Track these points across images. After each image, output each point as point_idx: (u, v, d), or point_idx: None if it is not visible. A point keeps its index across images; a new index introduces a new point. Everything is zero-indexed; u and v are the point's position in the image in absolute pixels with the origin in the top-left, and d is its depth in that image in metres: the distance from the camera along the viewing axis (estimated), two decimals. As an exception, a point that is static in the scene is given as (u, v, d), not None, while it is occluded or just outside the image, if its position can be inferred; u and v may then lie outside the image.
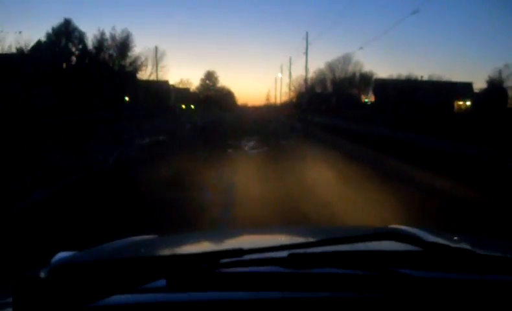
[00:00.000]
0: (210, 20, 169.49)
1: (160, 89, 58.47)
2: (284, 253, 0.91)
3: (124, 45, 47.96)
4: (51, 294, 0.83)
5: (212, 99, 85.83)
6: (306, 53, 47.29)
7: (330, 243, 0.99)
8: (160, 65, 58.75)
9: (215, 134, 22.29)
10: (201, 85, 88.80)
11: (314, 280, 0.94)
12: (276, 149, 15.25)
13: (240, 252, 0.91)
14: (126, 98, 50.82)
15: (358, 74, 66.81)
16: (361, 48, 38.45)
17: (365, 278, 0.92)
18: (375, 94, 49.73)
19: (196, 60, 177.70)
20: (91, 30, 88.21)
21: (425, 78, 48.56)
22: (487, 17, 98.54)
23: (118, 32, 48.17)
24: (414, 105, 38.98)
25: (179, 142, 17.89)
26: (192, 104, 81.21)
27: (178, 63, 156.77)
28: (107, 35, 46.99)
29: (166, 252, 1.33)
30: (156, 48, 57.39)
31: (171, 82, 78.94)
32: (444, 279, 0.95)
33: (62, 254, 1.20)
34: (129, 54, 50.32)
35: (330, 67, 65.43)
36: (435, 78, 48.24)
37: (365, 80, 65.72)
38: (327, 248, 0.97)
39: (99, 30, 47.50)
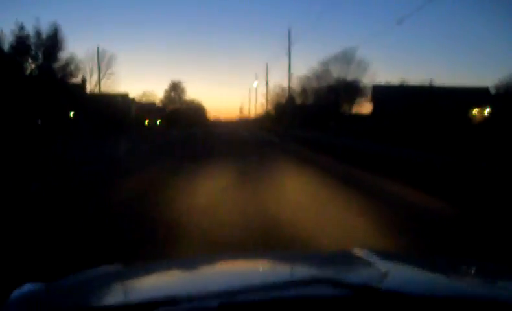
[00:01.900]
0: (177, 27, 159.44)
1: (113, 102, 49.04)
2: (215, 302, 0.96)
3: (51, 44, 37.15)
4: None
5: (180, 113, 76.65)
6: (289, 53, 39.50)
7: (262, 289, 1.04)
8: (108, 71, 49.58)
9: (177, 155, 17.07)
10: (166, 97, 79.25)
11: None
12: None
13: (173, 301, 0.98)
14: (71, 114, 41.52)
15: (342, 82, 59.49)
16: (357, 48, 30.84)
17: None
18: (374, 102, 41.70)
19: (162, 72, 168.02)
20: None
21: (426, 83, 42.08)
22: (483, 21, 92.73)
23: (45, 27, 37.20)
24: (425, 114, 31.70)
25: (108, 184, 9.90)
26: (159, 119, 72.31)
27: (141, 74, 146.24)
28: (29, 30, 36.20)
29: (111, 297, 1.37)
30: (98, 49, 47.04)
31: (133, 95, 70.13)
32: None
33: (22, 290, 1.27)
34: (60, 56, 38.72)
35: (321, 72, 56.88)
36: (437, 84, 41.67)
37: (351, 89, 58.36)
38: (260, 295, 1.00)
39: (17, 23, 35.57)
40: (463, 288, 1.32)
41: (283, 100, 70.05)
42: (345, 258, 1.73)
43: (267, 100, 66.07)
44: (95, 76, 48.06)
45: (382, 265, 1.38)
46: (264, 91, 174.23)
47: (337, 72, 52.48)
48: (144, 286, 1.50)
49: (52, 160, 15.13)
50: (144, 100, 75.34)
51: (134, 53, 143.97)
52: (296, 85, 54.30)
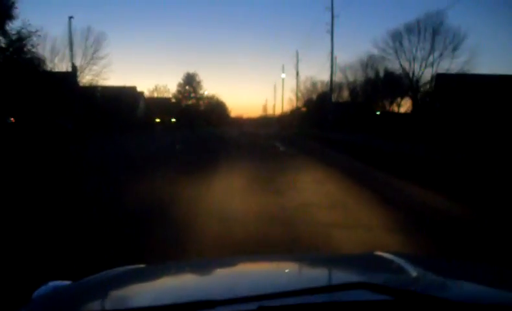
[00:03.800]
0: (194, 20, 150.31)
1: (112, 96, 40.42)
2: (253, 305, 0.94)
3: None
4: None
5: (195, 110, 67.59)
6: (332, 30, 30.03)
7: (300, 293, 1.03)
8: (95, 55, 38.75)
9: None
10: (179, 91, 68.90)
11: None
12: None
13: (209, 304, 0.96)
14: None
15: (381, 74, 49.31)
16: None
17: None
18: (439, 97, 31.40)
19: (178, 68, 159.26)
20: None
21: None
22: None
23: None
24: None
25: None
26: (173, 117, 64.05)
27: (155, 71, 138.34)
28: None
29: (141, 297, 1.32)
30: (69, 21, 35.85)
31: (145, 91, 61.94)
32: None
33: (47, 287, 1.30)
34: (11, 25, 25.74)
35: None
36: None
37: (391, 82, 48.20)
38: (296, 299, 1.00)
39: None
40: (496, 294, 1.29)
41: (314, 96, 60.72)
42: (373, 261, 1.69)
43: (297, 96, 56.22)
44: (79, 60, 38.29)
45: (411, 269, 1.37)
46: (291, 87, 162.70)
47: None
48: (174, 287, 1.45)
49: None
50: (156, 95, 67.11)
51: (147, 47, 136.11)
52: (332, 78, 42.26)
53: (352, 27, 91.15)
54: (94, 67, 38.85)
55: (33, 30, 26.62)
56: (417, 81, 36.83)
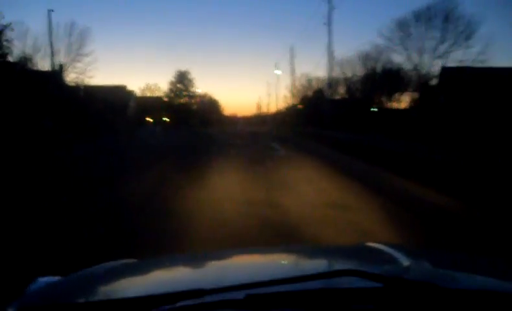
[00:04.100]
0: (185, 19, 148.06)
1: (100, 96, 38.76)
2: (241, 294, 0.92)
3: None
4: None
5: (188, 109, 65.84)
6: (329, 21, 28.68)
7: (289, 281, 1.01)
8: (79, 51, 36.24)
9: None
10: (170, 90, 66.82)
11: None
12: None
13: (198, 293, 0.95)
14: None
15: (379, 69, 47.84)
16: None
17: None
18: (445, 91, 29.80)
19: (170, 67, 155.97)
20: None
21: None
22: None
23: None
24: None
25: None
26: (166, 116, 62.40)
27: (146, 71, 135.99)
28: None
29: (132, 289, 1.33)
30: (49, 14, 33.85)
31: (136, 91, 60.20)
32: None
33: (38, 283, 1.31)
34: None
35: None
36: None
37: (390, 76, 46.77)
38: (286, 287, 0.97)
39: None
40: (489, 283, 1.29)
41: (310, 93, 59.37)
42: (363, 251, 1.69)
43: (292, 93, 54.80)
44: (62, 57, 36.13)
45: (403, 259, 1.36)
46: (285, 84, 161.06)
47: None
48: (164, 279, 1.46)
49: None
50: (148, 94, 65.35)
51: (138, 46, 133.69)
52: (330, 72, 39.99)
53: (349, 22, 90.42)
54: (79, 65, 36.69)
55: (6, 23, 24.66)
56: (424, 74, 34.97)
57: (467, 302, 0.98)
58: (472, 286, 1.20)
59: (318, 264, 1.62)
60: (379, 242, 1.65)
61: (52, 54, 32.81)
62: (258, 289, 0.95)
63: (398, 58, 37.91)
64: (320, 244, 4.22)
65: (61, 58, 36.21)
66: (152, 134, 35.15)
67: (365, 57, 44.90)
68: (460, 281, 1.27)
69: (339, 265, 1.56)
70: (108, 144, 22.92)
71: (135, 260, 1.66)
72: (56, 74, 34.69)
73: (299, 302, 0.93)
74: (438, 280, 1.01)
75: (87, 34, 38.98)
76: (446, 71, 31.22)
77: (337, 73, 48.22)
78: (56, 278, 1.36)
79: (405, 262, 1.32)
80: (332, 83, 50.08)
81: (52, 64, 35.11)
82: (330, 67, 30.54)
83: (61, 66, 35.94)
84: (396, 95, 45.60)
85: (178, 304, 0.93)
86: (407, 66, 36.69)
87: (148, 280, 1.42)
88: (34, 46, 33.78)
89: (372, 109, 43.08)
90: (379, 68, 44.12)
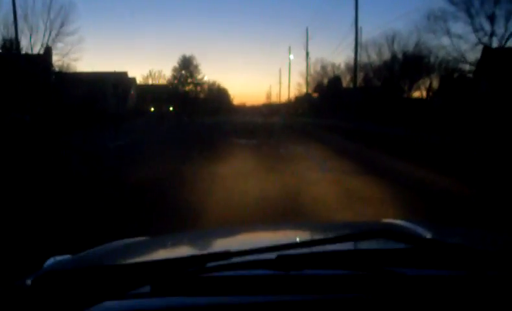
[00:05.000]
0: (194, 5, 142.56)
1: (95, 83, 34.55)
2: (272, 255, 0.89)
3: None
4: (37, 303, 0.84)
5: (194, 97, 61.34)
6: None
7: (320, 243, 1.01)
8: (61, 29, 31.13)
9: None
10: (174, 76, 61.32)
11: (303, 282, 0.91)
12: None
13: (226, 254, 0.91)
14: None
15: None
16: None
17: (357, 278, 0.90)
18: (488, 75, 24.80)
19: (175, 54, 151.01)
20: None
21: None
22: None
23: None
24: None
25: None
26: (170, 106, 58.29)
27: (150, 58, 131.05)
28: None
29: (154, 256, 1.35)
30: None
31: (137, 76, 55.97)
32: (437, 276, 0.93)
33: (54, 259, 1.29)
34: None
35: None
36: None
37: (407, 64, 41.65)
38: (316, 248, 0.97)
39: None
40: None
41: (325, 80, 54.75)
42: (387, 226, 1.65)
43: (307, 81, 49.98)
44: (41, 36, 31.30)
45: (424, 232, 1.37)
46: (298, 71, 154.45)
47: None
48: (187, 249, 1.46)
49: None
50: (151, 82, 61.16)
51: (143, 32, 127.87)
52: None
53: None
54: (60, 45, 31.85)
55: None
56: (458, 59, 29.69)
57: (500, 263, 0.96)
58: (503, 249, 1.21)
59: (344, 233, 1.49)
60: (402, 219, 1.65)
61: (17, 32, 27.85)
62: (289, 251, 0.91)
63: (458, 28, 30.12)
64: (340, 221, 4.34)
65: (39, 38, 31.60)
66: (142, 127, 29.31)
67: (393, 39, 39.76)
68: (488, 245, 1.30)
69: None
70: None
71: (149, 238, 1.61)
72: (42, 60, 30.69)
73: (332, 263, 0.92)
74: (468, 243, 0.98)
75: (71, 9, 34.41)
76: (488, 52, 26.12)
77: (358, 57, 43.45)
78: (67, 256, 1.32)
79: (428, 234, 1.34)
80: (349, 69, 45.47)
81: (47, 48, 31.02)
82: (357, 45, 25.16)
83: (48, 49, 31.81)
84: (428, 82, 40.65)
85: (208, 265, 0.90)
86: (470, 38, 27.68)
87: (169, 252, 1.40)
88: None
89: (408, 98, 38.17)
90: (411, 50, 38.79)
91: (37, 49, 30.89)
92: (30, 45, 30.08)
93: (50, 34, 31.33)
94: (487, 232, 1.77)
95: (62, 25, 31.03)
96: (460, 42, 29.73)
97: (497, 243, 1.37)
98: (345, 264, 0.91)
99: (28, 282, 0.89)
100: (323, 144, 16.74)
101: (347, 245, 1.01)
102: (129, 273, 0.90)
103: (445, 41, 29.52)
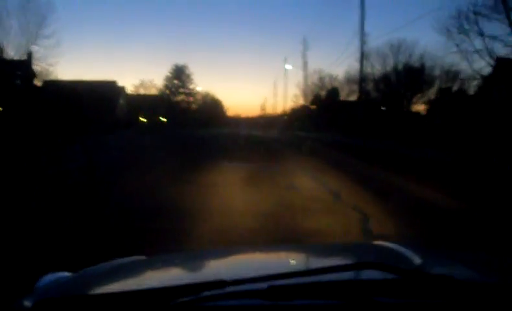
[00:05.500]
0: (186, 15, 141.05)
1: (81, 91, 32.40)
2: (264, 284, 0.92)
3: None
4: None
5: (186, 108, 59.20)
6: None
7: (311, 273, 1.06)
8: (39, 31, 28.03)
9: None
10: (166, 86, 59.35)
11: None
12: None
13: (221, 284, 0.94)
14: None
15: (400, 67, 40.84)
16: None
17: (346, 308, 0.92)
18: (501, 85, 22.73)
19: (167, 65, 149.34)
20: None
21: None
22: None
23: None
24: None
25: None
26: (162, 116, 56.18)
27: (142, 69, 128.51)
28: None
29: (151, 281, 1.34)
30: None
31: (128, 86, 53.84)
32: (422, 305, 0.97)
33: (48, 278, 1.28)
34: None
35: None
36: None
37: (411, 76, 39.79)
38: (307, 279, 0.99)
39: None
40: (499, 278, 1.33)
41: (322, 93, 52.95)
42: (375, 249, 1.71)
43: (303, 91, 48.12)
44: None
45: (413, 256, 1.37)
46: (293, 82, 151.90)
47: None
48: (181, 273, 1.46)
49: None
50: (143, 92, 58.87)
51: (134, 41, 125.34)
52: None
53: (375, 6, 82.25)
54: (36, 48, 28.71)
55: None
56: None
57: (484, 294, 0.99)
58: (488, 280, 1.23)
59: (335, 260, 1.60)
60: (387, 241, 1.67)
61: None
62: (280, 280, 0.94)
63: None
64: (333, 242, 4.37)
65: (12, 40, 29.04)
66: (122, 141, 25.30)
67: (398, 48, 37.89)
68: (475, 275, 1.32)
69: (355, 261, 1.52)
70: None
71: (144, 257, 1.57)
72: (22, 66, 28.51)
73: (321, 293, 0.94)
74: (454, 274, 1.02)
75: (49, 9, 31.74)
76: (502, 63, 24.15)
77: (357, 68, 41.43)
78: (65, 274, 1.33)
79: (417, 259, 1.34)
80: (348, 80, 43.62)
81: (28, 54, 28.68)
82: (363, 54, 23.08)
83: (30, 54, 29.62)
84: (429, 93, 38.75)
85: (202, 294, 0.92)
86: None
87: (165, 275, 1.40)
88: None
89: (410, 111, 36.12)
90: (415, 61, 37.04)
91: (14, 53, 28.45)
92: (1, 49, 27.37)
93: (24, 37, 28.73)
94: (477, 256, 1.75)
95: (38, 28, 28.25)
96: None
97: (485, 270, 1.39)
98: (335, 294, 0.93)
99: (27, 304, 0.94)
100: (345, 174, 12.28)
101: (337, 276, 1.03)
102: (125, 302, 0.91)
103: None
